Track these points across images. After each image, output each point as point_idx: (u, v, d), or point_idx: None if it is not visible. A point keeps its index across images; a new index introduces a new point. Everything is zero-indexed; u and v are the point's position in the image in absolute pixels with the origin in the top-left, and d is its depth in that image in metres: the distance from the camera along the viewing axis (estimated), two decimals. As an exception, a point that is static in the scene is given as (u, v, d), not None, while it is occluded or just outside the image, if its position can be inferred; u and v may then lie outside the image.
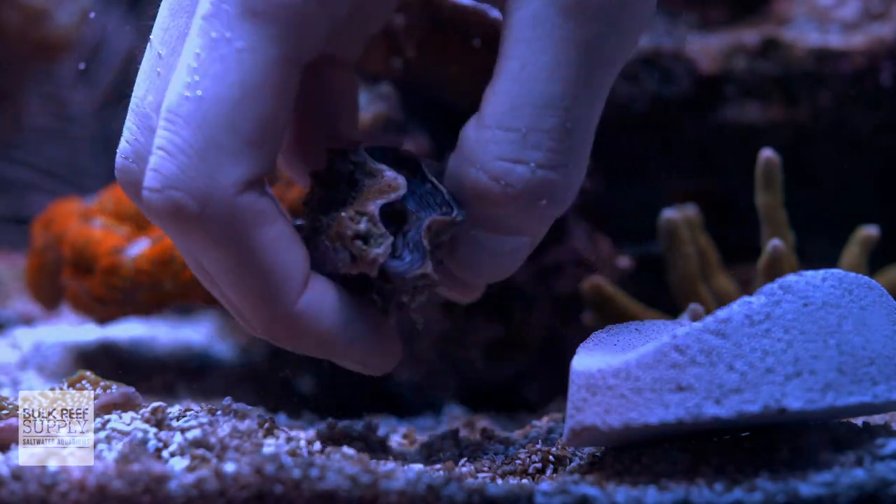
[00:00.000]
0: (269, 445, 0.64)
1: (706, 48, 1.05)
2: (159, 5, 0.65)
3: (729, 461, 0.62)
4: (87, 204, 1.04)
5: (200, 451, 0.62)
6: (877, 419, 0.77)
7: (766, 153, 0.89)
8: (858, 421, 0.68)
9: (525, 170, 0.61)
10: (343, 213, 0.63)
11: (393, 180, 0.63)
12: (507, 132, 0.60)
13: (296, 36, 0.60)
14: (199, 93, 0.59)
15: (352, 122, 0.72)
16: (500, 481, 0.66)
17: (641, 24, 0.62)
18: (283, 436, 0.67)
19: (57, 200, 1.07)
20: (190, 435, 0.63)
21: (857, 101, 1.03)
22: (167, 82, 0.61)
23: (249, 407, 0.69)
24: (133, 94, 0.64)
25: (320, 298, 0.63)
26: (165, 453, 0.63)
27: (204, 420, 0.66)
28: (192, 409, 0.68)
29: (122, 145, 0.65)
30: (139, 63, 0.66)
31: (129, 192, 0.65)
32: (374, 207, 0.62)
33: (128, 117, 0.64)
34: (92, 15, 1.45)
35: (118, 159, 0.65)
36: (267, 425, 0.66)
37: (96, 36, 1.51)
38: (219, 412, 0.68)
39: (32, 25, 1.37)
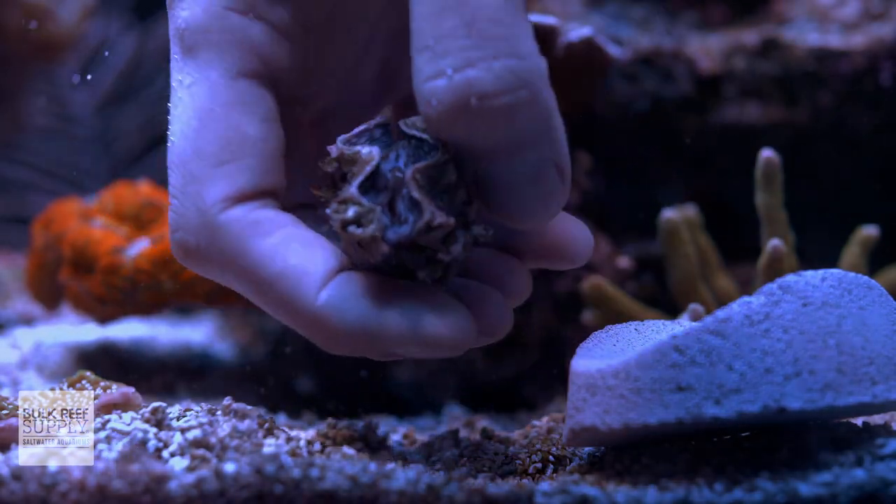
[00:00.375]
0: (269, 445, 0.64)
1: (706, 48, 1.05)
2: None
3: (729, 461, 0.62)
4: (87, 204, 1.04)
5: (200, 452, 0.62)
6: (876, 419, 0.77)
7: (766, 153, 0.89)
8: (858, 421, 0.68)
9: (443, 80, 0.57)
10: (328, 211, 0.61)
11: (367, 155, 0.61)
12: (421, 54, 0.58)
13: (228, 52, 0.63)
14: (172, 139, 0.63)
15: None
16: (500, 481, 0.66)
17: None
18: (282, 436, 0.66)
19: (57, 200, 1.07)
20: (190, 435, 0.63)
21: (856, 101, 1.03)
22: None
23: (249, 407, 0.69)
24: None
25: (342, 292, 0.60)
26: (165, 453, 0.63)
27: (204, 420, 0.66)
28: (192, 409, 0.68)
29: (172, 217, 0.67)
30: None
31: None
32: (353, 189, 0.60)
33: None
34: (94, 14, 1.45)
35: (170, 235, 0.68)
36: (267, 425, 0.66)
37: (99, 36, 1.51)
38: (219, 412, 0.68)
39: (35, 24, 1.37)
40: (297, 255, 0.61)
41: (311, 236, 0.62)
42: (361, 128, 0.63)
